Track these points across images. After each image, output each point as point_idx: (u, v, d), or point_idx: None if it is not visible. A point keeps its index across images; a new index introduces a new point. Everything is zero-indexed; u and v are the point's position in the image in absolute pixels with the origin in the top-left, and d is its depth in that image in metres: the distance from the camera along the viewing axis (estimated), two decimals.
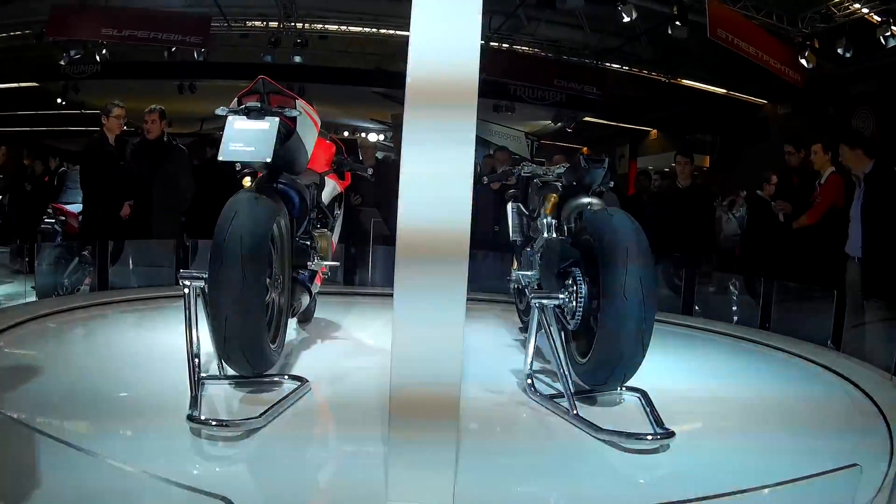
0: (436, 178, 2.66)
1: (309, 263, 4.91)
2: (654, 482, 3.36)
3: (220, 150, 4.05)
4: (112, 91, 15.14)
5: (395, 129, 21.13)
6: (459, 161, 2.67)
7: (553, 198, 5.23)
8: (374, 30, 17.83)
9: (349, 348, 5.62)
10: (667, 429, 3.63)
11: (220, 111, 4.18)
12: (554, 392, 4.23)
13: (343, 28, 17.95)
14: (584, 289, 4.32)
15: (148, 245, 8.60)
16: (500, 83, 19.02)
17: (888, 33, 12.50)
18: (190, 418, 3.45)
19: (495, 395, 4.47)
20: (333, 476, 3.27)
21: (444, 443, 2.69)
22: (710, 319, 7.72)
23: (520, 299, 6.11)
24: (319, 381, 4.37)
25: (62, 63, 17.40)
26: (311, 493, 3.02)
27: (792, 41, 14.43)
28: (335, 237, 5.84)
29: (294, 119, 4.39)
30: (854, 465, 3.24)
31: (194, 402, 3.63)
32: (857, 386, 4.99)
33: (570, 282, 4.40)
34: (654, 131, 23.81)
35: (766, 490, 3.06)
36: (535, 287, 5.14)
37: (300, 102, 4.55)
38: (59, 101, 20.44)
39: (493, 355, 5.59)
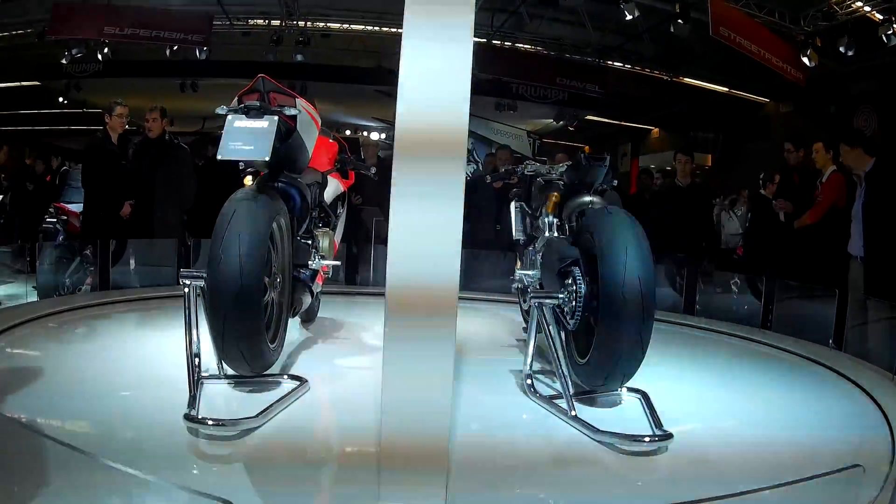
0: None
1: (310, 263, 4.90)
2: (652, 484, 3.34)
3: (219, 149, 4.05)
4: (114, 90, 15.16)
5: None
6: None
7: (554, 196, 5.21)
8: (376, 28, 17.84)
9: (350, 348, 5.62)
10: (665, 431, 3.61)
11: (219, 110, 4.19)
12: (554, 392, 4.21)
13: (345, 26, 17.95)
14: (583, 288, 4.31)
15: (150, 244, 8.60)
16: (502, 81, 19.03)
17: (890, 31, 12.48)
18: (187, 417, 3.45)
19: (495, 395, 4.47)
20: (327, 476, 3.27)
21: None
22: (712, 319, 7.71)
23: (523, 299, 6.09)
24: (319, 381, 4.36)
25: (64, 62, 17.39)
26: (305, 492, 3.00)
27: (794, 39, 14.40)
28: (338, 236, 5.83)
29: (294, 118, 4.40)
30: (856, 465, 3.24)
31: (192, 401, 3.64)
32: (858, 386, 4.98)
33: (570, 281, 4.38)
34: (656, 130, 23.81)
35: (769, 491, 3.05)
36: (537, 287, 5.13)
37: (300, 101, 4.55)
38: (61, 99, 20.46)
39: (494, 355, 5.59)
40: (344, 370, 4.90)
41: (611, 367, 3.99)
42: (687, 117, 21.13)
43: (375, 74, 19.20)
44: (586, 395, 4.23)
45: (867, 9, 13.25)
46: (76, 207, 10.28)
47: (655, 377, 4.41)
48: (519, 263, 6.07)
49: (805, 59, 14.12)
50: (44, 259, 7.95)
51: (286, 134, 4.39)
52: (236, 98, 4.27)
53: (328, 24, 17.91)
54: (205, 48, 16.53)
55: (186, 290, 4.04)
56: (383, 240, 8.81)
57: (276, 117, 4.12)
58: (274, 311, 4.42)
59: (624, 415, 4.06)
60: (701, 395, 4.84)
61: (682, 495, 3.06)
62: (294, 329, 5.80)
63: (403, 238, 2.67)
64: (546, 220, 5.19)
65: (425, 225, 2.66)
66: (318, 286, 5.24)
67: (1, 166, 13.21)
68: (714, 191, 13.12)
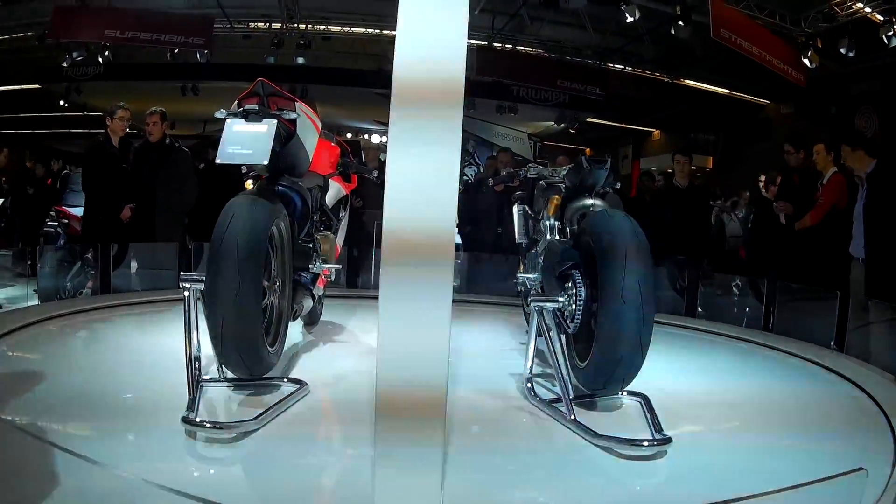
0: (422, 179, 2.64)
1: (311, 266, 4.90)
2: (651, 488, 3.33)
3: (218, 153, 4.06)
4: (114, 93, 15.16)
5: None
6: (445, 161, 2.65)
7: (555, 199, 5.20)
8: (377, 31, 17.84)
9: (350, 351, 5.61)
10: (665, 435, 3.58)
11: (218, 114, 4.20)
12: (554, 396, 4.20)
13: (346, 29, 17.96)
14: (583, 291, 4.30)
15: (151, 248, 8.60)
16: (502, 84, 19.02)
17: (891, 32, 12.48)
18: (185, 420, 3.45)
19: (495, 398, 4.45)
20: (324, 479, 3.26)
21: (430, 445, 2.66)
22: (713, 321, 7.70)
23: (525, 302, 6.09)
24: (319, 384, 4.35)
25: (64, 65, 17.41)
26: (301, 496, 3.00)
27: (795, 41, 14.41)
28: (339, 240, 5.84)
29: (294, 121, 4.40)
30: (860, 469, 3.23)
31: (192, 404, 3.64)
32: (860, 388, 4.98)
33: (570, 284, 4.38)
34: (657, 132, 23.80)
35: (771, 495, 3.04)
36: (539, 290, 5.12)
37: (299, 105, 4.56)
38: (61, 103, 20.45)
39: (495, 358, 5.59)
40: (344, 373, 4.90)
41: (610, 371, 3.98)
42: (688, 119, 21.13)
43: (376, 77, 19.19)
44: (587, 399, 4.22)
45: (868, 10, 13.25)
46: (77, 211, 10.29)
47: (656, 380, 4.41)
48: (522, 267, 6.07)
49: (806, 61, 14.13)
50: (45, 262, 7.94)
51: (286, 138, 4.40)
52: (236, 102, 4.28)
53: (329, 27, 17.93)
54: (206, 51, 16.53)
55: (186, 293, 4.04)
56: None
57: (274, 121, 4.12)
58: (274, 315, 4.42)
59: (624, 419, 4.05)
60: (702, 397, 4.82)
61: (681, 500, 3.06)
62: (297, 332, 5.81)
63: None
64: (547, 222, 5.18)
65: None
66: (319, 290, 5.24)
67: (1, 170, 13.22)
68: (713, 192, 13.11)
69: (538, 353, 4.54)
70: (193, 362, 3.94)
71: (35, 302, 7.01)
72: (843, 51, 13.55)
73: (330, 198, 5.65)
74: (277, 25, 17.50)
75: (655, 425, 3.74)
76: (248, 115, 4.11)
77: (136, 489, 2.82)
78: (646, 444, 3.53)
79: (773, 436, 4.01)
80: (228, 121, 4.12)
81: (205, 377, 4.08)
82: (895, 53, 12.79)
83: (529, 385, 4.36)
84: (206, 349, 3.99)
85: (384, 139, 22.14)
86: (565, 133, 22.99)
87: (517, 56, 18.82)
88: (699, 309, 8.31)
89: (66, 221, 10.86)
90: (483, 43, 17.77)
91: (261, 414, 3.62)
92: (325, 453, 3.61)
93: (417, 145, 2.65)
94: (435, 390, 2.66)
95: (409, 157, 2.65)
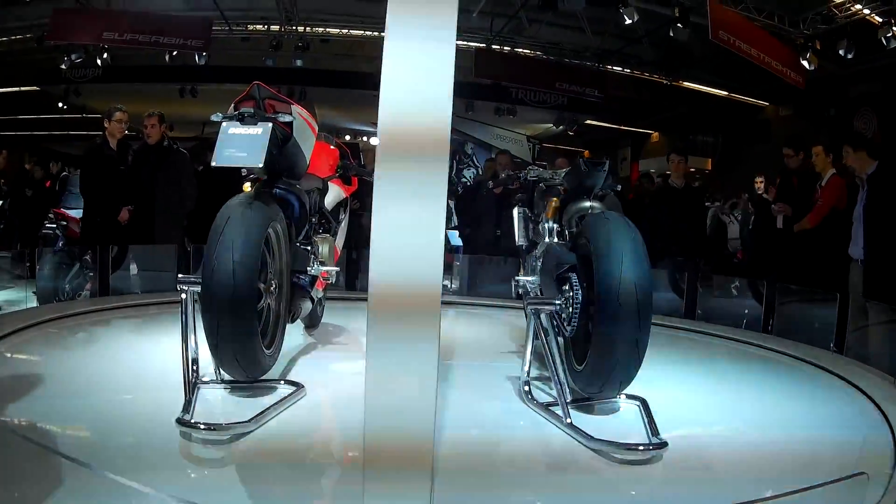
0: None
1: (309, 268, 4.90)
2: (647, 493, 3.30)
3: (213, 156, 4.06)
4: (113, 95, 15.18)
5: None
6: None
7: (554, 201, 5.18)
8: (376, 33, 17.83)
9: (348, 353, 5.60)
10: (661, 439, 3.56)
11: (214, 117, 4.21)
12: (551, 399, 4.17)
13: (344, 31, 17.96)
14: (580, 294, 4.29)
15: (150, 250, 8.60)
16: (501, 86, 19.04)
17: (889, 34, 12.49)
18: (179, 422, 3.45)
19: (493, 401, 4.44)
20: (315, 482, 3.24)
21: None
22: (712, 323, 7.70)
23: (525, 304, 6.07)
24: (315, 387, 4.34)
25: (63, 67, 17.42)
26: (293, 498, 2.99)
27: (793, 43, 14.43)
28: (339, 242, 5.84)
29: (290, 124, 4.40)
30: (860, 473, 3.22)
31: (187, 405, 3.63)
32: (860, 390, 4.97)
33: (568, 287, 4.36)
34: (656, 134, 23.83)
35: (772, 500, 3.04)
36: (538, 292, 5.11)
37: (296, 107, 4.56)
38: (60, 105, 20.46)
39: (493, 361, 5.57)
40: (341, 376, 4.89)
41: (607, 375, 3.95)
42: (687, 121, 21.15)
43: (375, 79, 19.19)
44: (585, 403, 4.20)
45: (866, 11, 13.26)
46: (76, 213, 10.28)
47: (655, 383, 4.40)
48: (521, 269, 6.06)
49: (804, 62, 14.15)
50: (43, 265, 7.95)
51: (283, 141, 4.40)
52: (232, 105, 4.29)
53: (327, 30, 17.94)
54: (204, 53, 16.53)
55: (183, 295, 4.05)
56: None
57: (269, 124, 4.12)
58: (270, 317, 4.42)
59: (622, 422, 4.03)
60: (701, 400, 4.81)
61: None
62: (297, 334, 5.80)
63: (386, 239, 2.64)
64: (546, 225, 5.16)
65: (408, 225, 2.64)
66: (318, 292, 5.24)
67: (0, 171, 13.22)
68: (711, 193, 13.12)
69: (537, 357, 4.53)
70: (191, 364, 3.95)
71: (34, 304, 7.01)
72: (841, 52, 13.56)
73: (329, 200, 5.65)
74: (276, 28, 17.52)
75: (652, 429, 3.72)
76: (243, 119, 4.12)
77: (126, 491, 2.81)
78: (641, 448, 3.50)
79: (773, 439, 3.99)
80: (224, 124, 4.12)
81: (203, 379, 4.08)
82: (894, 55, 12.80)
83: (527, 388, 4.34)
84: (204, 351, 3.98)
85: None
86: (564, 135, 22.99)
87: (516, 58, 18.84)
88: (698, 311, 8.31)
89: (65, 223, 10.85)
90: (482, 45, 17.79)
91: (255, 416, 3.62)
92: (318, 455, 3.60)
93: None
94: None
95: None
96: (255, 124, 4.11)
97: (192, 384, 3.86)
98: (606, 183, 4.86)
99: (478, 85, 18.60)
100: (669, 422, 3.86)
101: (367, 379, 2.63)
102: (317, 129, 5.03)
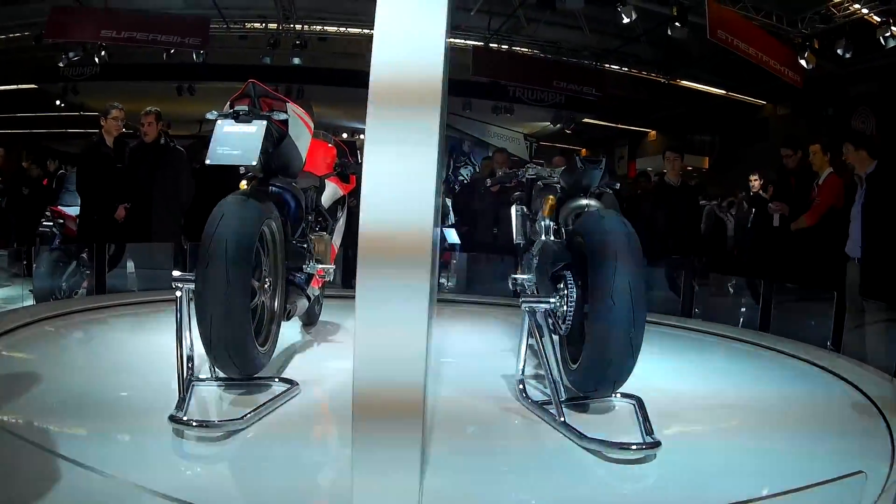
0: (398, 179, 2.63)
1: (304, 266, 4.90)
2: (640, 492, 3.28)
3: (208, 154, 4.06)
4: (111, 93, 15.13)
5: None
6: (423, 161, 2.64)
7: (550, 199, 5.17)
8: (373, 31, 17.80)
9: (343, 351, 5.55)
10: (654, 439, 3.54)
11: (209, 115, 4.21)
12: (545, 398, 4.14)
13: (342, 29, 17.94)
14: (575, 292, 4.27)
15: (147, 248, 8.59)
16: (499, 84, 19.03)
17: (888, 34, 12.50)
18: (172, 419, 3.45)
19: (486, 399, 4.43)
20: (306, 479, 3.21)
21: (408, 446, 2.64)
22: (709, 321, 7.69)
23: None
24: (310, 384, 4.34)
25: (61, 65, 17.40)
26: (283, 495, 2.98)
27: (791, 42, 14.43)
28: (336, 240, 5.83)
29: (285, 122, 4.40)
30: (859, 472, 3.21)
31: (181, 403, 3.64)
32: (857, 388, 4.97)
33: (563, 285, 4.35)
34: (654, 132, 23.82)
35: (770, 499, 3.03)
36: (535, 290, 5.10)
37: (291, 105, 4.56)
38: (58, 103, 20.45)
39: (489, 359, 5.55)
40: (335, 373, 4.87)
41: (601, 373, 3.93)
42: (684, 120, 21.15)
43: None
44: (580, 401, 4.20)
45: (865, 11, 13.25)
46: (73, 211, 10.26)
47: (651, 381, 4.39)
48: (519, 267, 6.05)
49: (802, 62, 14.15)
50: (40, 263, 7.94)
51: (278, 138, 4.41)
52: (228, 103, 4.28)
53: (325, 28, 17.92)
54: (202, 51, 16.53)
55: (178, 293, 4.06)
56: None
57: (264, 122, 4.13)
58: (266, 315, 4.42)
59: (617, 421, 4.02)
60: (697, 399, 4.80)
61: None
62: (295, 332, 5.80)
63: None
64: (542, 223, 5.15)
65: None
66: (314, 290, 5.23)
67: None
68: (708, 191, 13.11)
69: (533, 355, 4.52)
70: (186, 362, 3.96)
71: (30, 302, 7.00)
72: (839, 52, 13.56)
73: (326, 198, 5.64)
74: (273, 26, 17.51)
75: (647, 428, 3.71)
76: (238, 116, 4.12)
77: (118, 489, 2.81)
78: (634, 447, 3.48)
79: (770, 437, 3.99)
80: (219, 122, 4.13)
81: (200, 376, 4.10)
82: (892, 54, 12.80)
83: (521, 386, 4.34)
84: (200, 349, 3.98)
85: None
86: (561, 134, 23.00)
87: (513, 57, 18.83)
88: (695, 309, 8.30)
89: (62, 222, 10.80)
90: (479, 44, 17.78)
91: (248, 413, 3.63)
92: (309, 453, 3.57)
93: (394, 145, 2.64)
94: (412, 390, 2.63)
95: (386, 157, 2.64)
96: (250, 122, 4.11)
97: (186, 381, 3.87)
98: (603, 181, 4.85)
99: (475, 83, 18.58)
100: (664, 420, 3.86)
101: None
102: (312, 126, 5.03)
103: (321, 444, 3.79)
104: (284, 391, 4.10)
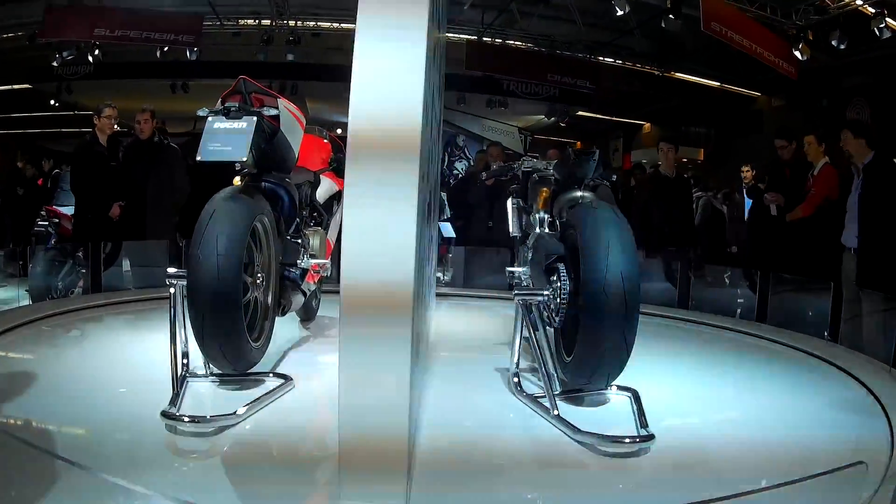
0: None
1: (299, 261, 4.90)
2: (635, 487, 3.24)
3: (198, 151, 4.07)
4: (105, 91, 15.12)
5: None
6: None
7: (544, 192, 5.14)
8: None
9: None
10: (648, 432, 3.53)
11: (200, 112, 4.24)
12: (540, 391, 4.12)
13: (335, 25, 17.91)
14: (568, 285, 4.25)
15: (142, 245, 8.58)
16: (493, 78, 19.03)
17: (882, 25, 12.49)
18: (164, 415, 3.46)
19: (481, 393, 4.43)
20: (295, 474, 3.18)
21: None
22: (706, 312, 7.68)
23: None
24: (305, 379, 4.35)
25: (55, 64, 17.38)
26: (272, 492, 2.96)
27: (786, 33, 14.42)
28: (332, 235, 5.82)
29: (276, 117, 4.41)
30: (859, 462, 3.21)
31: (175, 399, 3.65)
32: (855, 378, 4.96)
33: (555, 278, 4.32)
34: (648, 125, 23.82)
35: (771, 491, 3.02)
36: (530, 283, 5.08)
37: (282, 101, 4.57)
38: (52, 102, 20.43)
39: (483, 352, 5.54)
40: (330, 368, 4.88)
41: (594, 366, 3.90)
42: (679, 112, 21.15)
43: None
44: (575, 394, 4.18)
45: (859, 2, 13.25)
46: (68, 210, 10.26)
47: (647, 373, 4.38)
48: (516, 260, 6.03)
49: (797, 53, 14.13)
50: (36, 262, 7.93)
51: (271, 134, 4.42)
52: (220, 100, 4.29)
53: (318, 23, 17.89)
54: (195, 49, 16.51)
55: (172, 290, 4.05)
56: None
57: (254, 118, 4.14)
58: (259, 311, 4.42)
59: (612, 414, 4.00)
60: (694, 390, 4.79)
61: (665, 499, 3.02)
62: (292, 327, 5.80)
63: (358, 238, 2.66)
64: (537, 216, 5.13)
65: (379, 225, 2.66)
66: (310, 285, 5.22)
67: None
68: (704, 182, 13.11)
69: (529, 348, 4.52)
70: (181, 358, 3.96)
71: (27, 302, 6.99)
72: (834, 43, 13.55)
73: (321, 193, 5.64)
74: (267, 22, 17.48)
75: (642, 421, 3.70)
76: (228, 113, 4.13)
77: (110, 487, 2.81)
78: (627, 440, 3.47)
79: (768, 429, 3.99)
80: (209, 119, 4.14)
81: (198, 372, 4.11)
82: (886, 46, 12.80)
83: (516, 380, 4.33)
84: (194, 345, 3.99)
85: None
86: (556, 127, 23.00)
87: (507, 50, 18.83)
88: (692, 301, 8.30)
89: (57, 221, 10.82)
90: (473, 38, 17.77)
91: (240, 409, 3.62)
92: (300, 448, 3.55)
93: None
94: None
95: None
96: (240, 118, 4.12)
97: (181, 378, 3.87)
98: (597, 172, 4.82)
99: (469, 77, 18.60)
100: (661, 413, 3.85)
101: (341, 379, 2.65)
102: (304, 122, 5.03)
103: (314, 438, 3.76)
104: (278, 386, 4.09)
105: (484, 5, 16.73)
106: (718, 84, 19.20)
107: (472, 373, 4.93)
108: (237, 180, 4.64)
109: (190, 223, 4.01)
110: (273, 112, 4.36)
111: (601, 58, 19.04)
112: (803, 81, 14.90)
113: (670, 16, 14.01)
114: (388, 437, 2.66)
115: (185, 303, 3.97)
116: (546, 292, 4.28)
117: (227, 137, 4.06)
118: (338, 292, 2.68)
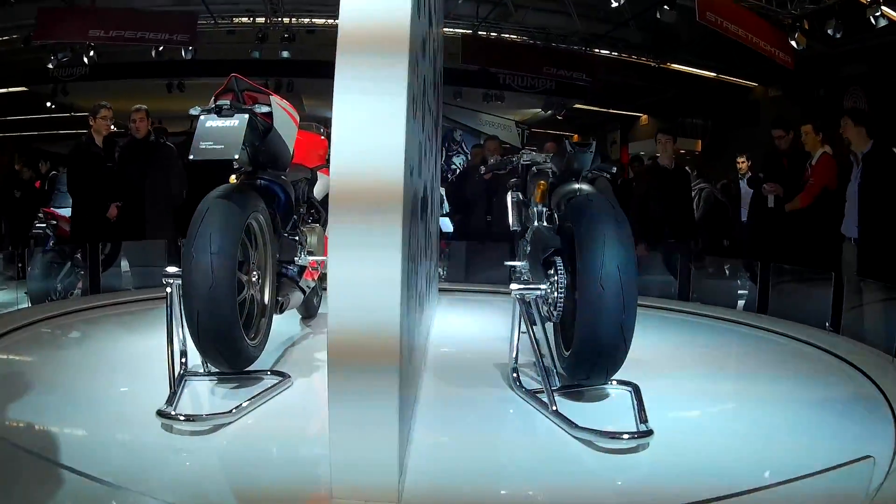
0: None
1: (296, 258, 4.89)
2: (632, 483, 3.21)
3: (191, 149, 4.07)
4: (101, 92, 15.10)
5: None
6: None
7: (542, 185, 5.12)
8: None
9: None
10: (647, 428, 3.51)
11: (193, 111, 4.26)
12: (539, 387, 4.11)
13: (330, 22, 17.84)
14: (566, 278, 4.23)
15: (140, 245, 8.57)
16: (489, 72, 19.00)
17: (878, 13, 12.45)
18: (160, 413, 3.46)
19: (480, 388, 4.43)
20: (288, 472, 3.18)
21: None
22: (707, 304, 7.67)
23: None
24: (303, 377, 4.36)
25: (50, 66, 17.34)
26: (265, 489, 2.96)
27: (781, 23, 14.38)
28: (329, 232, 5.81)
29: (269, 115, 4.40)
30: (867, 456, 3.19)
31: (172, 398, 3.66)
32: (857, 368, 4.95)
33: (553, 271, 4.30)
34: (645, 117, 23.79)
35: (778, 486, 2.99)
36: (528, 277, 5.06)
37: (275, 98, 4.56)
38: (48, 104, 20.40)
39: (482, 347, 5.53)
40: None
41: (592, 361, 3.90)
42: (676, 103, 21.12)
43: None
44: (575, 389, 4.16)
45: None
46: (66, 212, 10.24)
47: (648, 366, 4.38)
48: (516, 255, 6.02)
49: (793, 43, 14.09)
50: (34, 265, 7.91)
51: (264, 132, 4.41)
52: (212, 98, 4.28)
53: (313, 20, 17.84)
54: (190, 48, 16.47)
55: (168, 289, 4.06)
56: None
57: (246, 116, 4.14)
58: (256, 309, 4.41)
59: (612, 408, 4.00)
60: (696, 384, 4.78)
61: (663, 496, 2.99)
62: (294, 325, 5.80)
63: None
64: (535, 209, 5.11)
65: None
66: (309, 282, 5.21)
67: None
68: (704, 173, 13.07)
69: (528, 342, 4.50)
70: (179, 357, 3.99)
71: (26, 304, 6.98)
72: (830, 32, 13.50)
73: (319, 190, 5.63)
74: (261, 20, 17.44)
75: (641, 416, 3.68)
76: (220, 111, 4.13)
77: (105, 486, 2.80)
78: (626, 436, 3.44)
79: (771, 422, 3.97)
80: (202, 117, 4.16)
81: (199, 371, 4.13)
82: (883, 34, 12.76)
83: (515, 375, 4.32)
84: (192, 343, 3.99)
85: None
86: (553, 120, 22.96)
87: (503, 44, 18.78)
88: (693, 294, 8.28)
89: (55, 223, 10.80)
90: (468, 31, 17.74)
91: (237, 407, 3.64)
92: (295, 445, 3.54)
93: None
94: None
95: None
96: (232, 116, 4.13)
97: (179, 377, 3.89)
98: (594, 165, 4.79)
99: (465, 71, 18.55)
100: (662, 407, 3.84)
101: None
102: (298, 119, 5.02)
103: (309, 435, 3.75)
104: (276, 384, 4.11)
105: None
106: (714, 75, 19.15)
107: (470, 368, 4.93)
108: (233, 178, 4.64)
109: (187, 222, 4.02)
110: (265, 109, 4.36)
111: (597, 50, 19.00)
112: (800, 71, 14.85)
113: (665, 7, 13.96)
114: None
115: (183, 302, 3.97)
116: (543, 287, 4.25)
117: (218, 135, 4.06)
118: None
